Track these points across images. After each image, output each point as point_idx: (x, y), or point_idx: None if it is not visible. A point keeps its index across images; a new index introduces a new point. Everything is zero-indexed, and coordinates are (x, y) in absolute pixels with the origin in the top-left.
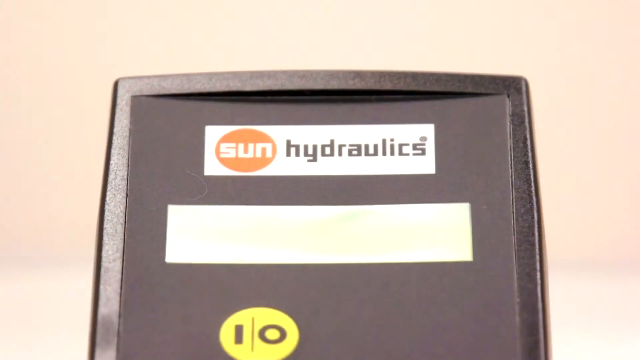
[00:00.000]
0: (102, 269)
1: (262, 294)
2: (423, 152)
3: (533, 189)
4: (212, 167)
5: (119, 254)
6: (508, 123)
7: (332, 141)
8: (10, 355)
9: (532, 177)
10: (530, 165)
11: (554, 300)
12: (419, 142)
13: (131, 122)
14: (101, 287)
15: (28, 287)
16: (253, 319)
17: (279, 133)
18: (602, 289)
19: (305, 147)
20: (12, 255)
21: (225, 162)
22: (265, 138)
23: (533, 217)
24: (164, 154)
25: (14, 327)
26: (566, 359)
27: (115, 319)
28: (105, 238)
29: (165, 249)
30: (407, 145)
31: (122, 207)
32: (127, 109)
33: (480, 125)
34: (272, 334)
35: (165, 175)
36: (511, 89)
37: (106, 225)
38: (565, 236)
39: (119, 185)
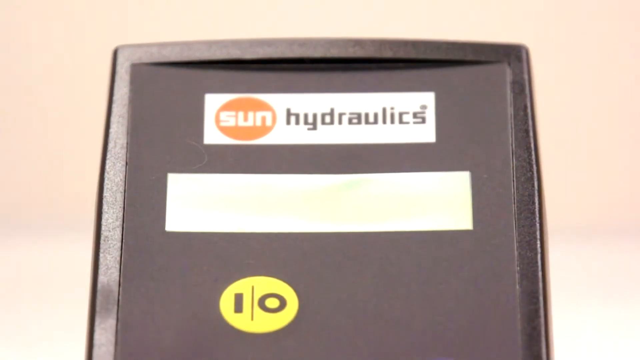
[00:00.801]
0: (102, 238)
1: (261, 263)
2: (423, 121)
3: (533, 157)
4: (212, 135)
5: (118, 223)
6: (509, 91)
7: (332, 109)
8: (9, 323)
9: (532, 145)
10: (531, 134)
11: (554, 268)
12: (419, 110)
13: (131, 90)
14: (101, 255)
15: (27, 255)
16: (253, 287)
17: (279, 101)
18: (602, 256)
19: (305, 115)
20: (12, 223)
21: (225, 130)
22: (265, 106)
23: (533, 186)
24: (163, 122)
25: (13, 295)
26: (566, 327)
27: (115, 288)
28: (104, 206)
29: (165, 217)
30: (408, 113)
31: (122, 176)
32: (127, 77)
33: (480, 93)
34: (272, 303)
35: (165, 143)
36: (512, 57)
37: (106, 193)
38: (566, 204)
39: (118, 153)
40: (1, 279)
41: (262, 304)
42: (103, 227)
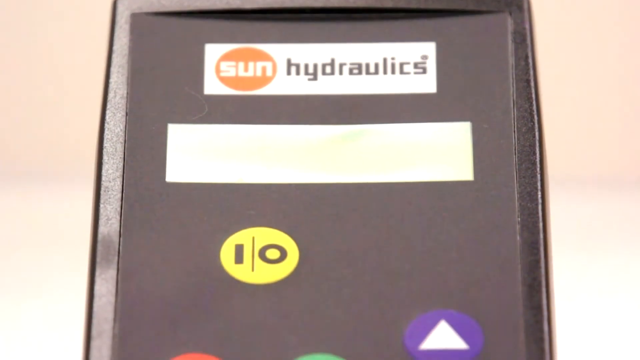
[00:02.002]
0: (102, 188)
1: (262, 214)
2: (424, 71)
3: (534, 107)
4: (212, 85)
5: (118, 173)
6: (510, 41)
7: (332, 60)
8: (9, 274)
9: (533, 95)
10: (532, 84)
11: (555, 219)
12: (420, 60)
13: (131, 40)
14: (101, 206)
15: (27, 206)
16: (253, 238)
17: (279, 51)
18: (603, 207)
19: (306, 65)
20: (12, 174)
21: (225, 80)
22: (265, 57)
23: (534, 136)
24: (163, 72)
25: (13, 246)
26: (566, 278)
27: (115, 238)
28: (105, 157)
29: (165, 168)
30: (408, 63)
31: (122, 126)
32: (127, 26)
33: (481, 43)
34: (273, 254)
35: (165, 94)
36: (513, 7)
37: (106, 144)
38: (567, 154)
39: (118, 103)
40: (1, 229)
41: (262, 255)
42: (103, 178)
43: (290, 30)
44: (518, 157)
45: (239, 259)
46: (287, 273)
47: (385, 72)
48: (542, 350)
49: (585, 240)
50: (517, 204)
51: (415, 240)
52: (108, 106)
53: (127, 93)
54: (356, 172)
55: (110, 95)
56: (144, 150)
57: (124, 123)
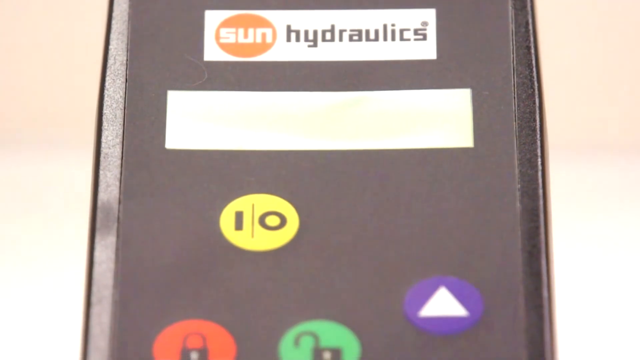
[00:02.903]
0: (102, 155)
1: (262, 181)
2: (424, 37)
3: (535, 74)
4: (212, 52)
5: (118, 140)
6: (510, 8)
7: (332, 26)
8: (9, 241)
9: (533, 62)
10: (532, 51)
11: (555, 185)
12: (420, 27)
13: (130, 6)
14: (101, 173)
15: (27, 172)
16: (253, 205)
17: (279, 18)
18: (603, 173)
19: (306, 32)
20: (12, 140)
21: (225, 47)
22: (265, 23)
23: (534, 103)
24: (163, 39)
25: (13, 212)
26: (566, 244)
27: (115, 205)
28: (104, 124)
29: (165, 135)
30: (409, 30)
31: (122, 93)
32: None
33: (481, 9)
34: (273, 221)
35: (164, 60)
36: None
37: (105, 110)
38: (567, 121)
39: (118, 70)
40: (0, 196)
41: (262, 221)
42: (103, 145)
43: None
44: (518, 123)
45: (238, 225)
46: (287, 240)
47: (385, 39)
48: (541, 316)
49: (585, 207)
50: (517, 170)
51: (415, 207)
52: (108, 73)
53: (127, 59)
54: (356, 139)
55: (110, 61)
56: (143, 117)
57: (124, 90)
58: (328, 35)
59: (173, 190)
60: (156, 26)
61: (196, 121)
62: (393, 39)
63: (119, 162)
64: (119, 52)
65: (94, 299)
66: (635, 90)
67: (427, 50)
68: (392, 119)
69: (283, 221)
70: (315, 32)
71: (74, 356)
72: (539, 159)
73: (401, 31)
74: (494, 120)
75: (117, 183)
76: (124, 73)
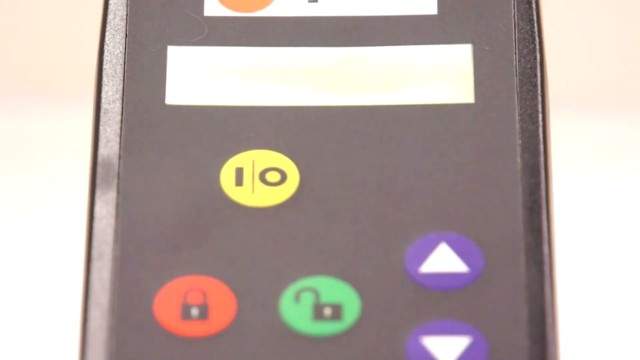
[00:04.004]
0: (102, 110)
1: (262, 136)
2: None
3: (536, 29)
4: (212, 7)
5: (118, 95)
6: None
7: None
8: (9, 195)
9: (534, 17)
10: (533, 6)
11: (555, 141)
12: None
13: None
14: (101, 128)
15: (27, 127)
16: (253, 161)
17: None
18: (603, 128)
19: None
20: (12, 94)
21: (225, 2)
22: None
23: (535, 58)
24: None
25: (13, 167)
26: (567, 200)
27: (115, 161)
28: (104, 79)
29: (165, 90)
30: None
31: (122, 48)
32: None
33: None
34: (273, 177)
35: (164, 15)
36: None
37: (105, 66)
38: (568, 77)
39: (118, 25)
40: (0, 151)
41: (262, 177)
42: (103, 100)
43: None
44: (519, 79)
45: (239, 181)
46: (288, 196)
47: None
48: (542, 272)
49: (586, 162)
50: (517, 126)
51: (416, 163)
52: (107, 28)
53: (127, 15)
54: (357, 94)
55: (110, 16)
56: (143, 73)
57: (124, 45)
58: None
59: (173, 146)
60: None
61: (196, 77)
62: None
63: (119, 117)
64: (118, 7)
65: (94, 254)
66: (638, 45)
67: (427, 6)
68: (392, 75)
69: (283, 177)
70: None
71: (74, 312)
72: (540, 115)
73: None
74: (494, 76)
75: (117, 139)
76: (124, 28)
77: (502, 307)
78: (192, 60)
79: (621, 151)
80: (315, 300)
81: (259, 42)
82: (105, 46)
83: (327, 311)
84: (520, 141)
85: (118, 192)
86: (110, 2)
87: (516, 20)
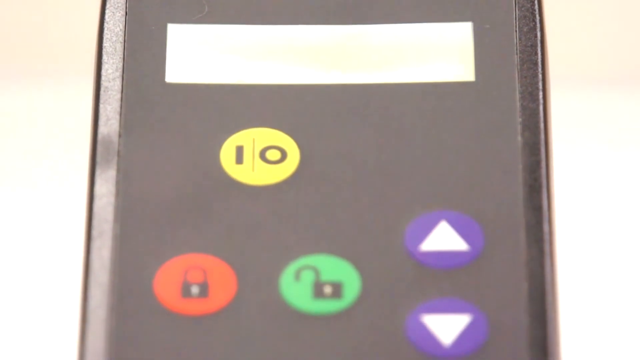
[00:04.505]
0: (102, 88)
1: (263, 114)
2: None
3: (536, 7)
4: None
5: (118, 73)
6: None
7: None
8: (9, 173)
9: None
10: None
11: (556, 118)
12: None
13: None
14: (101, 106)
15: (26, 105)
16: (254, 139)
17: None
18: (604, 105)
19: None
20: (12, 71)
21: None
22: None
23: (536, 36)
24: None
25: (12, 144)
26: (568, 176)
27: (115, 139)
28: (104, 57)
29: (165, 68)
30: None
31: (122, 26)
32: None
33: None
34: (273, 155)
35: None
36: None
37: (105, 43)
38: (569, 53)
39: (118, 3)
40: (0, 129)
41: (263, 155)
42: (103, 78)
43: None
44: (519, 57)
45: (239, 159)
46: (288, 174)
47: None
48: (542, 250)
49: (587, 140)
50: (518, 104)
51: (416, 141)
52: (107, 5)
53: None
54: (357, 72)
55: None
56: (143, 50)
57: (124, 22)
58: None
59: (173, 124)
60: None
61: (196, 55)
62: None
63: (119, 95)
64: None
65: (94, 233)
66: (637, 22)
67: None
68: (393, 53)
69: (284, 155)
70: None
71: (74, 290)
72: (541, 93)
73: None
74: (495, 53)
75: (117, 117)
76: (124, 6)
77: (502, 285)
78: (192, 38)
79: (623, 128)
80: (316, 279)
81: (259, 20)
82: (105, 24)
83: (327, 289)
84: (520, 119)
85: (118, 170)
86: None
87: None
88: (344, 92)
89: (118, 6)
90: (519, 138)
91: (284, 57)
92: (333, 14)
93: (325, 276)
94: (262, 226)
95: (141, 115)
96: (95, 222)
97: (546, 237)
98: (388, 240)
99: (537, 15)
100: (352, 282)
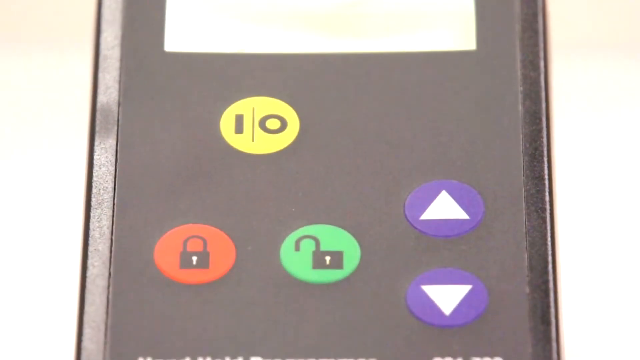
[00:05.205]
0: (101, 57)
1: (262, 83)
2: None
3: None
4: None
5: (117, 42)
6: None
7: None
8: (7, 142)
9: None
10: None
11: (557, 86)
12: None
13: None
14: (100, 75)
15: (24, 73)
16: (253, 108)
17: None
18: (605, 74)
19: None
20: (10, 40)
21: None
22: None
23: (537, 4)
24: None
25: (12, 113)
26: (568, 142)
27: (114, 107)
28: (103, 25)
29: (164, 37)
30: None
31: None
32: None
33: None
34: (273, 124)
35: None
36: None
37: (104, 11)
38: (570, 22)
39: None
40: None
41: (262, 124)
42: (102, 46)
43: None
44: (521, 25)
45: (239, 129)
46: (288, 143)
47: None
48: (543, 220)
49: (588, 109)
50: (519, 72)
51: (417, 111)
52: None
53: None
54: (358, 41)
55: None
56: (142, 19)
57: None
58: None
59: (173, 93)
60: None
61: (195, 24)
62: None
63: (118, 64)
64: None
65: (94, 201)
66: None
67: None
68: (394, 21)
69: (283, 124)
70: None
71: (74, 258)
72: (542, 62)
73: None
74: (496, 22)
75: (117, 85)
76: None
77: (503, 254)
78: (191, 7)
79: (624, 97)
80: (316, 248)
81: None
82: None
83: (328, 259)
84: (521, 88)
85: (117, 139)
86: None
87: None
88: (344, 61)
89: None
90: (520, 107)
91: (284, 26)
92: None
93: (326, 246)
94: (262, 196)
95: (140, 84)
96: (94, 191)
97: (547, 206)
98: (388, 210)
99: None
100: (352, 252)
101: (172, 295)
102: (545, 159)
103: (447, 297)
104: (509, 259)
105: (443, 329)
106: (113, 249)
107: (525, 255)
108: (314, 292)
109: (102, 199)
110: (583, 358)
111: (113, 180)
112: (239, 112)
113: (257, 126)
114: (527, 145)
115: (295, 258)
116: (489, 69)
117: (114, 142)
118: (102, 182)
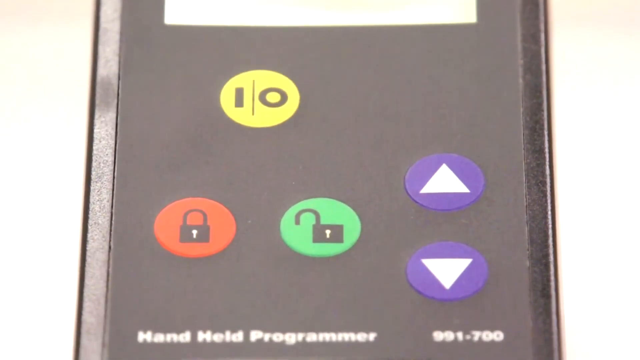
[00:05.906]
0: (101, 30)
1: (262, 57)
2: None
3: None
4: None
5: (117, 15)
6: None
7: None
8: (7, 115)
9: None
10: None
11: (558, 60)
12: None
13: None
14: (100, 48)
15: (23, 46)
16: (254, 81)
17: None
18: (606, 47)
19: None
20: (9, 12)
21: None
22: None
23: None
24: None
25: (11, 87)
26: (569, 115)
27: (114, 81)
28: None
29: (164, 10)
30: None
31: None
32: None
33: None
34: (273, 97)
35: None
36: None
37: None
38: None
39: None
40: None
41: (263, 98)
42: (102, 19)
43: None
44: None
45: (239, 102)
46: (288, 116)
47: None
48: (543, 193)
49: (589, 82)
50: (520, 46)
51: (417, 84)
52: None
53: None
54: (358, 14)
55: None
56: None
57: None
58: None
59: (173, 66)
60: None
61: None
62: None
63: (117, 37)
64: None
65: (93, 174)
66: None
67: None
68: None
69: (284, 98)
70: None
71: (74, 233)
72: (542, 35)
73: None
74: None
75: (117, 58)
76: None
77: (503, 228)
78: None
79: (625, 70)
80: (316, 222)
81: None
82: None
83: (328, 233)
84: (522, 61)
85: (117, 112)
86: None
87: None
88: (344, 34)
89: None
90: (520, 80)
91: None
92: None
93: (326, 219)
94: (262, 169)
95: (140, 57)
96: (94, 165)
97: (547, 180)
98: (388, 184)
99: None
100: (352, 225)
101: (172, 269)
102: (546, 132)
103: (448, 270)
104: (509, 232)
105: (443, 303)
106: (113, 222)
107: (526, 229)
108: (314, 265)
109: (102, 172)
110: (583, 330)
111: (113, 153)
112: (239, 86)
113: (257, 99)
114: (528, 119)
115: (296, 232)
116: (490, 42)
117: (114, 115)
118: (102, 155)
